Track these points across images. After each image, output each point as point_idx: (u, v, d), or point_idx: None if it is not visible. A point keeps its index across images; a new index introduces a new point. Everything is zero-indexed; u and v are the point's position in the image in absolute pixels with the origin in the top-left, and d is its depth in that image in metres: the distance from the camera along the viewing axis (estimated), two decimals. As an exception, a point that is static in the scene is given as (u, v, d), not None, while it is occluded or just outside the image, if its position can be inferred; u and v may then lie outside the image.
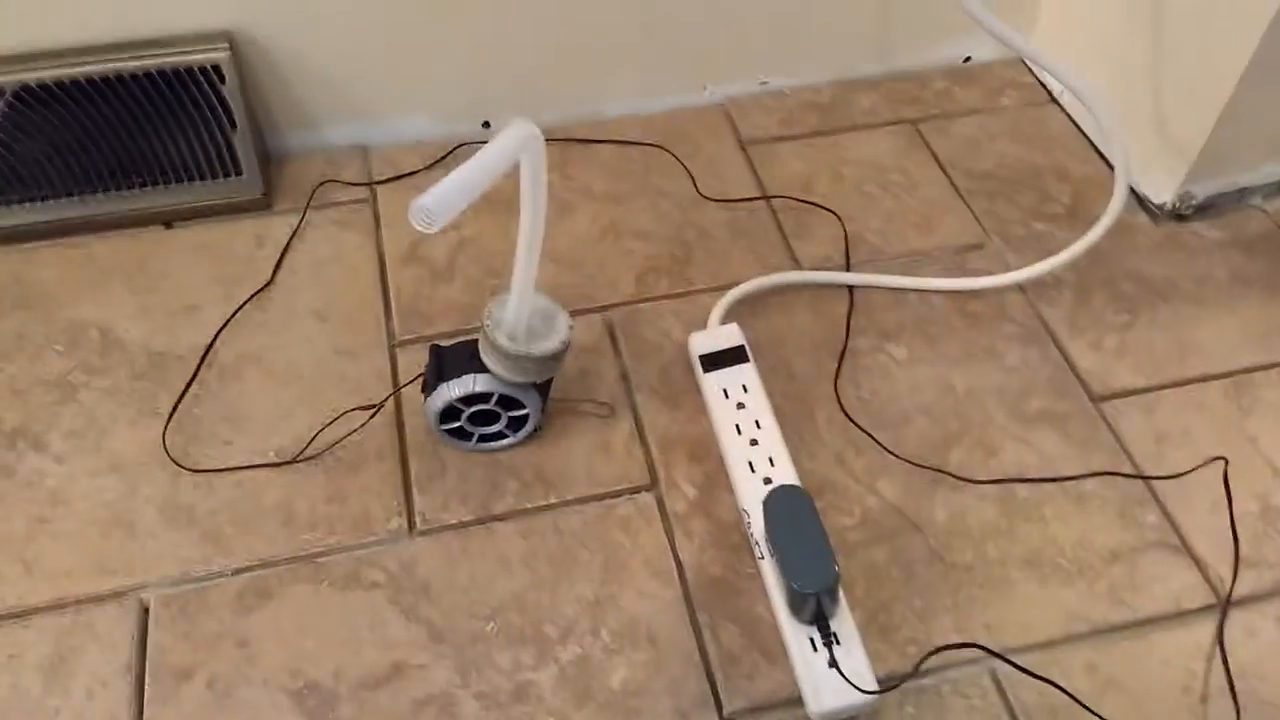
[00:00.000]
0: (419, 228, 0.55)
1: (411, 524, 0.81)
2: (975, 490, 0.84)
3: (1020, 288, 0.99)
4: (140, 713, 0.71)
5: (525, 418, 0.84)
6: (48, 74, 0.93)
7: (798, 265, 1.01)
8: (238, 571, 0.78)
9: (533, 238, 0.70)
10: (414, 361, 0.91)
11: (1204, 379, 0.93)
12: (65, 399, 0.89)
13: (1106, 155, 1.12)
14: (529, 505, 0.83)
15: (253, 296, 0.97)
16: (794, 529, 0.73)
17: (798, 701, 0.72)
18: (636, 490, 0.84)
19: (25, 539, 0.80)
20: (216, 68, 0.96)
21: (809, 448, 0.87)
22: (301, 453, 0.85)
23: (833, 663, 0.71)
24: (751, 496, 0.80)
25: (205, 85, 0.97)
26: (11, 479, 0.83)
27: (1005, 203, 1.07)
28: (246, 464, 0.84)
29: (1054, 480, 0.85)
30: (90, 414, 0.88)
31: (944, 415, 0.89)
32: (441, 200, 0.55)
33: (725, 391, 0.87)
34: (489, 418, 0.83)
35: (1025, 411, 0.90)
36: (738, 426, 0.85)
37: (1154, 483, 0.85)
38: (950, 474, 0.85)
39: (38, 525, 0.81)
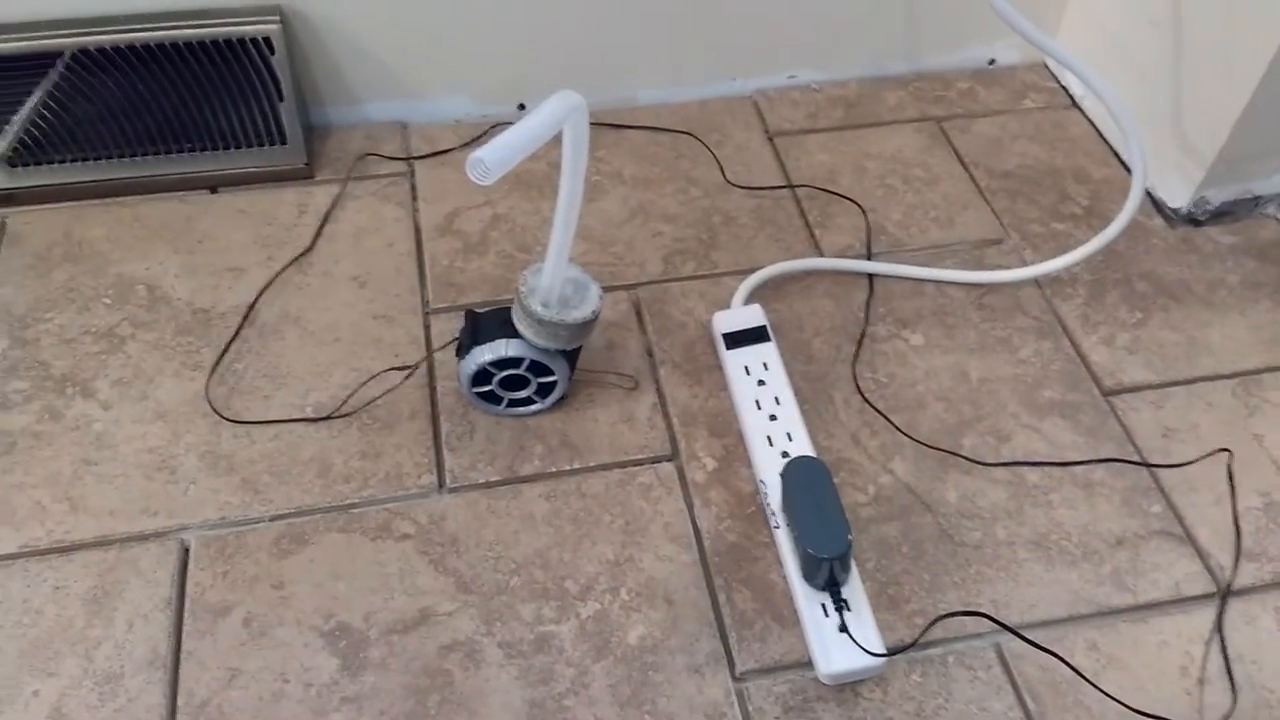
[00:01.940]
0: (474, 179, 0.58)
1: (441, 481, 0.85)
2: (986, 473, 0.87)
3: (1036, 283, 1.02)
4: (179, 645, 0.75)
5: (553, 384, 0.87)
6: (105, 39, 0.96)
7: (820, 253, 1.04)
8: (275, 518, 0.82)
9: (571, 205, 0.73)
10: (447, 329, 0.95)
11: (1213, 378, 0.95)
12: (113, 349, 0.92)
13: (1125, 159, 1.14)
14: (554, 469, 0.86)
15: (294, 261, 1.00)
16: (810, 497, 0.76)
17: (808, 664, 0.75)
18: (658, 460, 0.87)
19: (71, 479, 0.83)
20: (267, 40, 1.00)
21: (826, 426, 0.90)
22: (338, 409, 0.88)
23: (843, 627, 0.74)
24: (769, 469, 0.83)
25: (255, 56, 1.00)
26: (59, 422, 0.87)
27: (1025, 201, 1.10)
28: (285, 418, 0.87)
29: (1063, 464, 0.88)
30: (137, 364, 0.91)
31: (958, 401, 0.92)
32: (496, 155, 0.58)
33: (746, 368, 0.90)
34: (519, 383, 0.86)
35: (1037, 401, 0.92)
36: (757, 402, 0.88)
37: (1159, 474, 0.88)
38: (962, 456, 0.88)
39: (84, 466, 0.84)
